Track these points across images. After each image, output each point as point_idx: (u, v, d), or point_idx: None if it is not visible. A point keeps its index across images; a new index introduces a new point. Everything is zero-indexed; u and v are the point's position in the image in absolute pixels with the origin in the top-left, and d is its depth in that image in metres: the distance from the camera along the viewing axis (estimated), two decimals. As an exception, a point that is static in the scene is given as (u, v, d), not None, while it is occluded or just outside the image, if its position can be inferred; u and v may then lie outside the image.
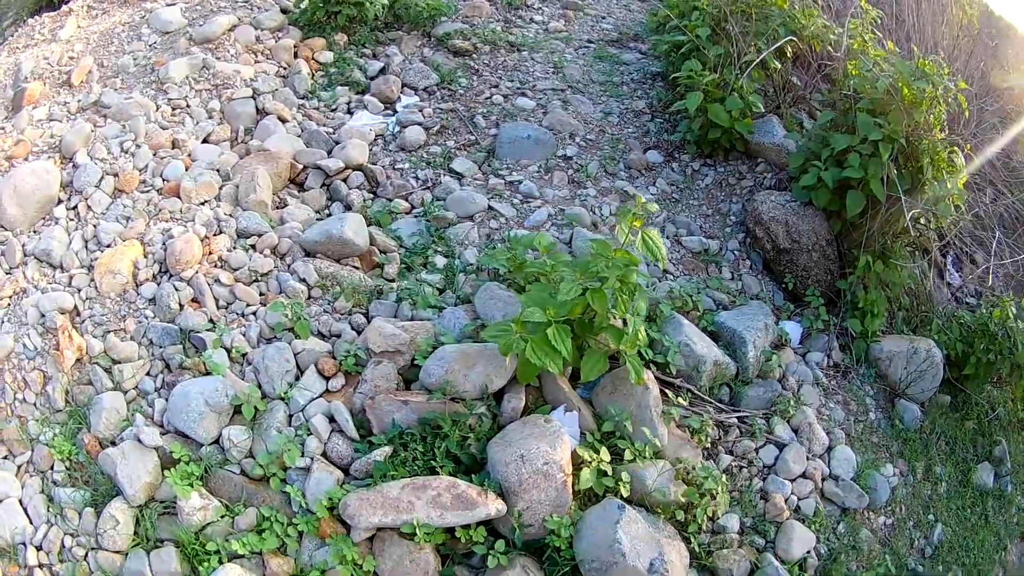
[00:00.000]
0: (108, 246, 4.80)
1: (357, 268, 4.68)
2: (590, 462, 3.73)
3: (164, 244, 4.66)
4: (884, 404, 5.17)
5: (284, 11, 5.95)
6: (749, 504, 4.16)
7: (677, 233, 5.29)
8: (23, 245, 5.03)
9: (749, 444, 4.35)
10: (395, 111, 5.50)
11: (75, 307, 4.63)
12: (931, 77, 4.77)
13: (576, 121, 5.28)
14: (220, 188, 4.98)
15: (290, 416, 4.06)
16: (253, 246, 4.75)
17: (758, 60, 5.18)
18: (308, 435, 3.91)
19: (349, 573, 3.52)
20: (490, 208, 5.02)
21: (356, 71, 5.58)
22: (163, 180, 5.05)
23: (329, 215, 4.96)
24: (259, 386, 4.16)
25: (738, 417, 4.50)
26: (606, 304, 3.68)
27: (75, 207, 5.07)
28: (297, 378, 4.16)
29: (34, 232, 5.16)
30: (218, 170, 5.11)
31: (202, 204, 4.92)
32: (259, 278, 4.65)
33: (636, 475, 3.79)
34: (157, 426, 4.17)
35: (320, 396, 4.09)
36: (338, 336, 4.36)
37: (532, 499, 3.44)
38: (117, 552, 3.73)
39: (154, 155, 5.13)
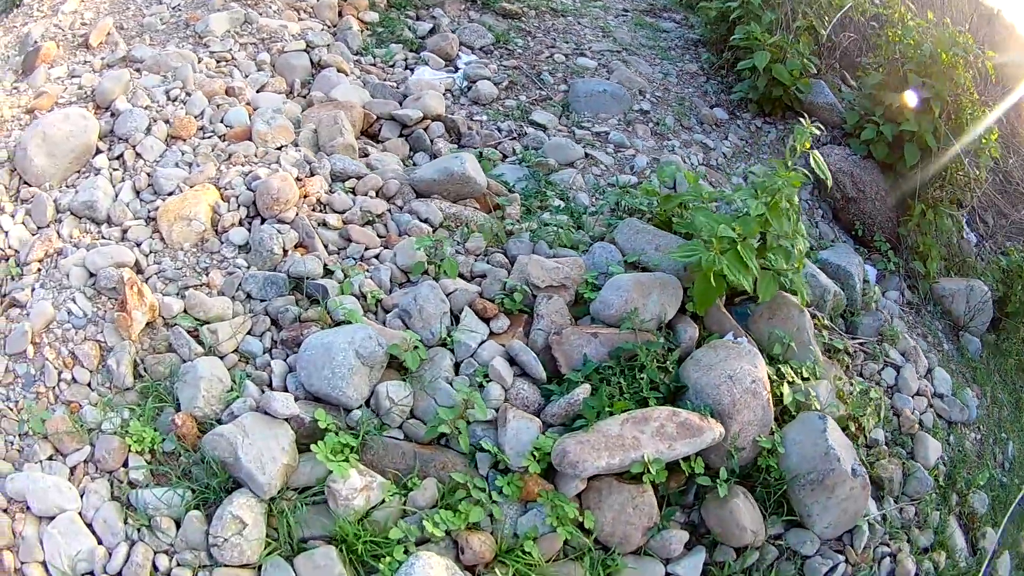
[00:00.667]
0: (171, 193, 3.92)
1: (478, 210, 4.11)
2: (789, 380, 3.48)
3: (250, 186, 3.88)
4: (952, 336, 5.42)
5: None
6: (886, 419, 4.15)
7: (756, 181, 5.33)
8: (55, 200, 4.02)
9: (873, 367, 4.40)
10: (456, 68, 5.07)
11: (136, 263, 3.70)
12: (963, 45, 5.13)
13: (641, 79, 5.16)
14: (297, 133, 4.25)
15: (457, 364, 3.30)
16: (353, 189, 4.08)
17: (808, 26, 5.33)
18: (488, 382, 3.17)
19: (567, 535, 2.78)
20: (587, 155, 4.70)
21: (406, 30, 5.11)
22: (226, 126, 4.25)
23: (415, 164, 4.36)
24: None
25: (858, 343, 4.54)
26: (783, 222, 3.42)
27: (119, 156, 4.14)
28: (453, 322, 3.43)
29: (68, 186, 4.14)
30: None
31: (279, 148, 4.16)
32: (374, 219, 3.95)
33: (808, 393, 3.56)
34: (279, 392, 3.29)
35: (488, 339, 3.36)
36: (482, 276, 3.69)
37: (744, 420, 3.06)
38: (244, 566, 2.73)
39: (209, 101, 4.31)
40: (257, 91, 4.55)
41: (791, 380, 3.43)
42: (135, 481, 3.05)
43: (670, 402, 3.03)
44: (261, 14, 4.97)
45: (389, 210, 4.01)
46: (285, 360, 3.39)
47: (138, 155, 4.16)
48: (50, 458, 3.23)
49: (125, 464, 3.06)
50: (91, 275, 3.74)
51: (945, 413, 4.58)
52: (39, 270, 3.94)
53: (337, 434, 2.84)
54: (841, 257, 4.90)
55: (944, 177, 5.44)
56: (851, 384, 3.98)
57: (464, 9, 5.48)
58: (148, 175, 4.09)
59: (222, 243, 3.80)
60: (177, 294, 3.70)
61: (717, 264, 3.05)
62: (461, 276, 3.72)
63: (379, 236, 3.89)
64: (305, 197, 3.91)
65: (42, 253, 3.93)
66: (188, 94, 4.42)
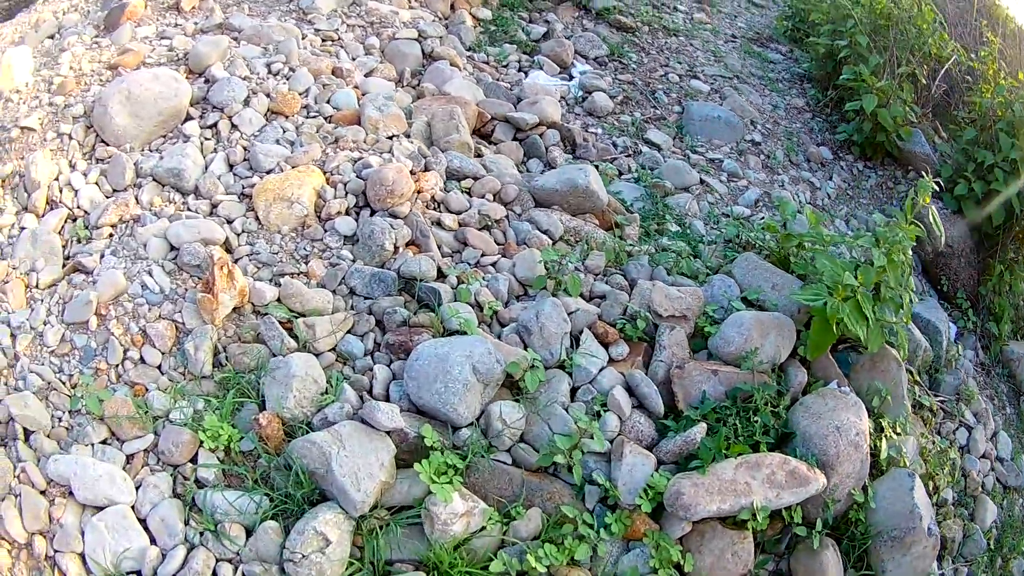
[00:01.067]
0: (269, 171, 3.51)
1: (597, 226, 3.73)
2: (887, 435, 3.38)
3: (360, 174, 3.46)
4: (1014, 401, 5.20)
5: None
6: (955, 479, 3.99)
7: (858, 227, 5.08)
8: (136, 164, 3.60)
9: (950, 425, 4.30)
10: (571, 76, 4.76)
11: (226, 241, 3.28)
12: (1053, 107, 4.97)
13: (752, 109, 4.90)
14: (409, 124, 3.88)
15: (574, 389, 2.96)
16: (469, 190, 3.65)
17: (910, 73, 5.11)
18: (605, 412, 2.86)
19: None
20: (703, 182, 4.42)
21: (519, 31, 4.82)
22: (333, 108, 3.87)
23: (526, 170, 3.99)
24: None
25: (940, 400, 4.39)
26: (897, 274, 3.34)
27: (213, 125, 3.72)
28: (572, 344, 3.07)
29: (151, 150, 3.73)
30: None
31: (390, 138, 3.78)
32: (491, 224, 3.51)
33: (899, 449, 3.48)
34: (381, 400, 2.87)
35: (607, 365, 3.03)
36: (601, 298, 3.32)
37: (844, 472, 3.01)
38: (322, 586, 2.41)
39: (315, 80, 3.95)
40: (365, 75, 4.13)
41: (888, 435, 3.40)
42: (203, 480, 2.69)
43: (778, 447, 2.99)
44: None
45: (507, 216, 3.57)
46: (389, 366, 2.94)
47: (234, 126, 3.75)
48: (104, 442, 2.83)
49: (193, 460, 2.72)
50: (172, 248, 3.30)
51: (1003, 477, 4.45)
52: (111, 235, 3.50)
53: (443, 453, 2.55)
54: (931, 312, 4.72)
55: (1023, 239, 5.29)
56: (933, 442, 3.88)
57: (578, 17, 5.22)
58: (244, 149, 3.66)
59: (325, 231, 3.33)
60: (271, 280, 3.26)
61: (840, 312, 3.00)
62: (580, 295, 3.37)
63: (497, 243, 3.44)
64: (419, 193, 3.46)
65: (116, 218, 3.50)
66: (292, 70, 4.02)
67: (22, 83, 4.18)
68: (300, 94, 3.84)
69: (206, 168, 3.58)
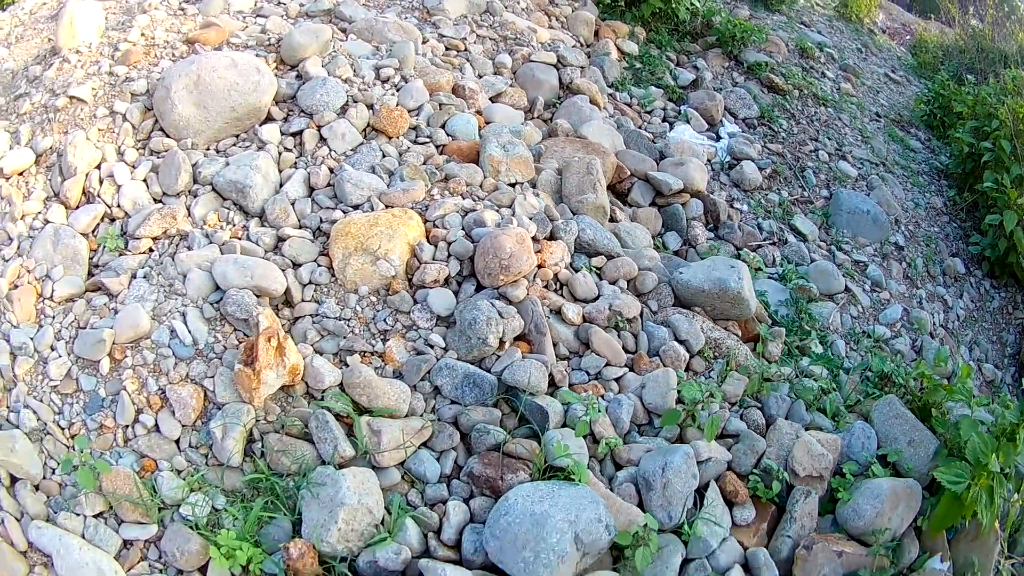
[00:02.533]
0: (356, 206, 2.75)
1: (739, 340, 2.94)
2: None
3: (470, 232, 2.59)
4: None
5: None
6: None
7: (979, 356, 4.16)
8: (195, 165, 2.88)
9: None
10: (718, 135, 3.95)
11: (286, 292, 2.53)
12: None
13: (896, 204, 4.13)
14: (537, 171, 3.10)
15: (686, 560, 2.22)
16: (600, 270, 2.81)
17: None
18: None
19: None
20: (848, 289, 3.59)
21: (667, 74, 4.02)
22: (448, 135, 3.10)
23: (663, 246, 3.17)
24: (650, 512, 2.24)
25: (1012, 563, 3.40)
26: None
27: (298, 133, 2.96)
28: (696, 502, 2.30)
29: (217, 151, 3.01)
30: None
31: (513, 186, 3.01)
32: (622, 325, 2.64)
33: None
34: (450, 548, 2.12)
35: (729, 536, 2.29)
36: (734, 437, 2.51)
37: None
38: None
39: (430, 96, 3.21)
40: (491, 99, 3.28)
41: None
42: None
43: None
44: (507, 7, 3.91)
45: (642, 314, 2.80)
46: (467, 502, 2.12)
47: (322, 140, 2.97)
48: (100, 515, 2.24)
49: (203, 570, 2.13)
50: (217, 288, 2.58)
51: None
52: (150, 251, 2.76)
53: None
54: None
55: None
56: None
57: (728, 68, 4.39)
58: (331, 171, 2.82)
59: (415, 302, 2.46)
60: (335, 356, 2.47)
61: (978, 501, 2.62)
62: (713, 435, 2.53)
63: (626, 350, 2.56)
64: (540, 267, 2.58)
65: (159, 230, 2.76)
66: (404, 79, 3.15)
67: (85, 42, 3.50)
68: (410, 112, 3.03)
69: (279, 187, 2.83)
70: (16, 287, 2.66)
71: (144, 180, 2.89)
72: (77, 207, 2.91)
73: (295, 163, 2.87)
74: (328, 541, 2.01)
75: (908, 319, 3.69)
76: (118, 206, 2.84)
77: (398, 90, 3.12)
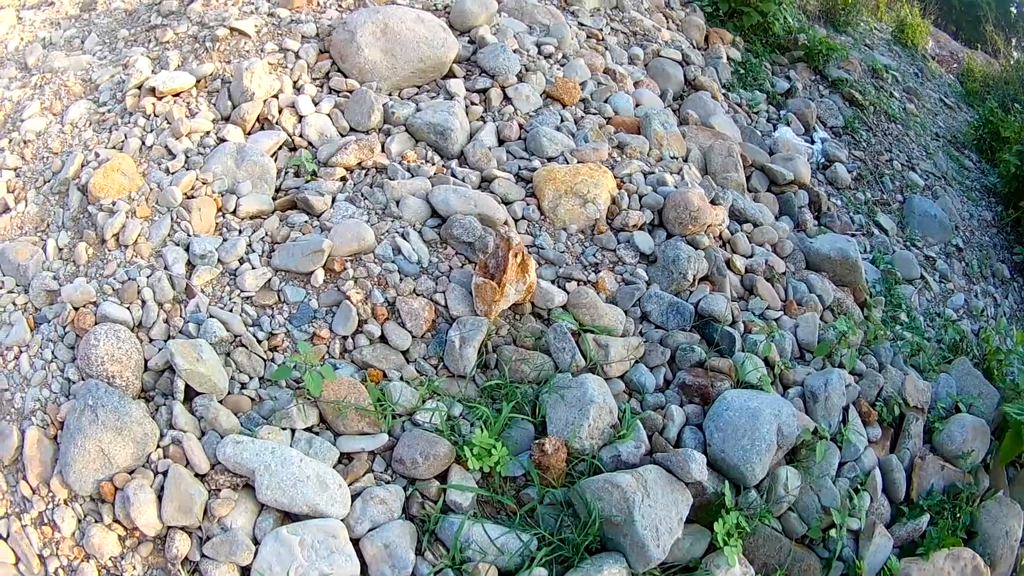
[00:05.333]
0: (551, 159, 3.07)
1: (854, 302, 3.41)
2: None
3: (656, 189, 2.93)
4: None
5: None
6: None
7: None
8: (385, 107, 3.12)
9: None
10: (812, 140, 4.56)
11: (505, 224, 2.79)
12: None
13: (956, 214, 4.87)
14: (688, 150, 3.53)
15: (840, 464, 2.74)
16: (749, 235, 3.16)
17: None
18: (862, 489, 2.73)
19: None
20: (922, 277, 4.25)
21: (767, 81, 4.65)
22: (613, 110, 3.43)
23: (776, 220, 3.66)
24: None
25: None
26: None
27: (483, 91, 3.25)
28: (842, 419, 2.77)
29: (402, 97, 3.26)
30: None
31: (674, 158, 3.41)
32: (775, 277, 3.06)
33: None
34: (672, 445, 2.45)
35: (868, 445, 2.83)
36: (858, 376, 3.00)
37: (999, 572, 3.12)
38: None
39: (591, 75, 3.60)
40: (633, 84, 3.76)
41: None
42: (454, 505, 2.14)
43: (967, 542, 3.11)
44: (632, 5, 4.41)
45: (785, 272, 3.22)
46: (681, 406, 2.48)
47: (507, 99, 3.20)
48: (310, 429, 2.21)
49: (441, 478, 2.20)
50: (434, 214, 2.80)
51: None
52: (344, 179, 2.94)
53: (734, 514, 2.34)
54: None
55: None
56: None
57: (814, 81, 4.98)
58: (521, 127, 3.07)
59: (619, 242, 2.85)
60: (554, 282, 2.78)
61: None
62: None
63: (779, 298, 3.02)
64: (708, 227, 3.06)
65: (355, 160, 2.95)
66: (565, 57, 3.50)
67: None
68: (580, 85, 3.47)
69: (472, 135, 3.13)
70: (192, 197, 2.69)
71: (329, 115, 3.10)
72: (252, 132, 3.07)
73: (482, 116, 3.17)
74: (580, 437, 2.23)
75: (968, 307, 4.36)
76: (301, 136, 3.03)
77: (562, 66, 3.49)
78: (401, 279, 2.51)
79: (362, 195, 2.77)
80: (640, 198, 2.87)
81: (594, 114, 3.23)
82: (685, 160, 3.34)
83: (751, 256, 3.07)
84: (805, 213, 3.78)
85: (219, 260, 2.53)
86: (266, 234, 2.66)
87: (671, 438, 2.38)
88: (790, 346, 2.87)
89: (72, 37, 3.63)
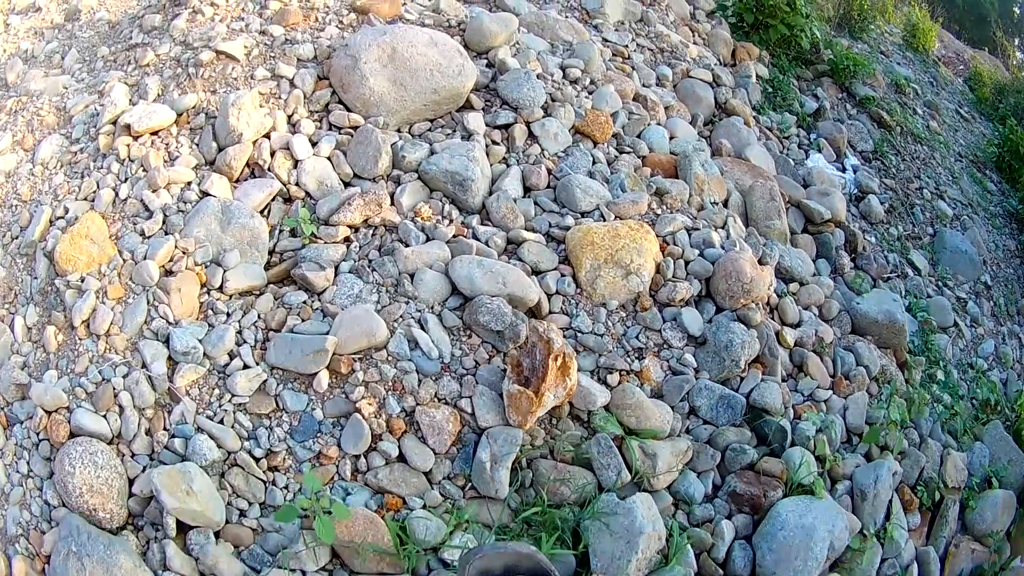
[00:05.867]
0: (584, 214, 2.52)
1: (897, 367, 2.99)
2: None
3: (702, 251, 2.47)
4: None
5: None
6: None
7: None
8: (394, 147, 2.53)
9: None
10: (843, 167, 4.03)
11: (538, 304, 2.26)
12: None
13: (984, 246, 4.42)
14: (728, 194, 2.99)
15: (882, 561, 2.40)
16: (796, 296, 2.75)
17: None
18: None
19: None
20: (955, 324, 3.80)
21: (795, 101, 4.08)
22: (647, 146, 2.91)
23: (815, 274, 3.17)
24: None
25: None
26: None
27: (505, 127, 2.69)
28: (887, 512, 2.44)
29: (412, 134, 2.66)
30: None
31: (714, 204, 2.87)
32: (823, 350, 2.64)
33: None
34: (719, 565, 2.03)
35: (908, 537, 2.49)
36: (901, 454, 2.64)
37: None
38: None
39: (623, 104, 3.01)
40: (664, 110, 3.19)
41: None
42: None
43: None
44: (658, 18, 3.76)
45: (832, 341, 2.69)
46: (730, 518, 2.09)
47: (532, 136, 2.72)
48: (324, 568, 1.85)
49: None
50: (454, 292, 2.27)
51: None
52: (349, 240, 2.39)
53: None
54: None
55: None
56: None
57: (841, 99, 4.45)
58: (549, 172, 2.61)
59: (664, 320, 2.33)
60: (594, 374, 2.27)
61: None
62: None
63: (828, 373, 2.60)
64: (758, 298, 2.59)
65: (360, 217, 2.39)
66: (593, 83, 2.96)
67: None
68: (611, 117, 2.89)
69: (494, 183, 2.56)
70: (170, 273, 2.22)
71: (330, 158, 2.52)
72: (240, 180, 2.49)
73: (505, 159, 2.61)
74: (627, 573, 1.86)
75: (997, 354, 3.97)
76: (296, 183, 2.47)
77: (590, 94, 2.93)
78: (420, 381, 2.03)
79: (370, 265, 2.24)
80: (686, 264, 2.37)
81: (628, 152, 2.72)
82: (726, 204, 2.83)
83: (799, 324, 2.61)
84: (842, 256, 3.34)
85: (205, 354, 2.08)
86: (259, 317, 2.16)
87: (719, 558, 2.06)
88: (840, 432, 2.44)
89: (53, 52, 3.07)
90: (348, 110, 2.64)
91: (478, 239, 2.34)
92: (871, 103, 4.59)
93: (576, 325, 2.23)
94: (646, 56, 3.42)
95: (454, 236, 2.34)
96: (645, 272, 2.33)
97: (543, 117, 2.70)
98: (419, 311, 2.16)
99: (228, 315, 2.18)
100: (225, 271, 2.24)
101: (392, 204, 2.43)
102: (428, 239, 2.33)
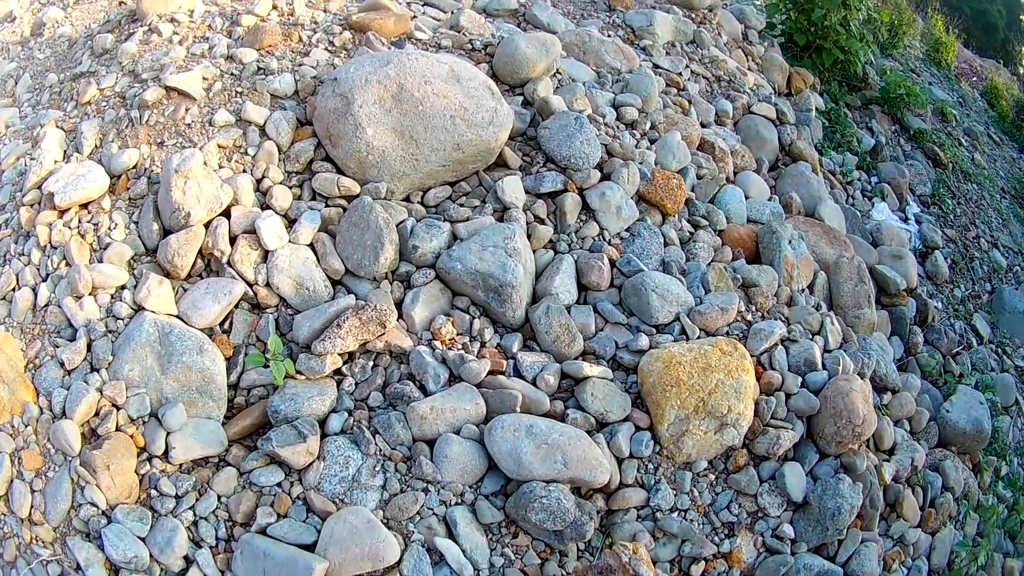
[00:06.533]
0: (659, 327, 1.73)
1: (970, 470, 2.37)
2: None
3: (803, 373, 1.75)
4: None
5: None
6: None
7: None
8: (401, 230, 1.70)
9: None
10: (906, 216, 3.31)
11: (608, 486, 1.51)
12: None
13: None
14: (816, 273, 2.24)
15: None
16: (888, 409, 2.07)
17: None
18: None
19: None
20: (1016, 403, 3.16)
21: (854, 139, 3.32)
22: (724, 215, 2.09)
23: (900, 368, 2.48)
24: None
25: None
26: None
27: (551, 195, 1.85)
28: None
29: (425, 204, 1.83)
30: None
31: (802, 291, 2.11)
32: (916, 480, 1.98)
33: None
34: None
35: None
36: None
37: None
38: None
39: (690, 156, 2.19)
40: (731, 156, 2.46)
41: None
42: None
43: None
44: (711, 40, 2.91)
45: (923, 466, 2.10)
46: None
47: (587, 210, 1.88)
48: None
49: None
50: (491, 467, 1.47)
51: None
52: (338, 376, 1.54)
53: None
54: None
55: None
56: None
57: (895, 132, 3.77)
58: (613, 265, 1.79)
59: (760, 480, 1.60)
60: (672, 564, 1.49)
61: None
62: None
63: (917, 507, 1.96)
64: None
65: (355, 343, 1.54)
66: (654, 127, 2.20)
67: (183, 7, 2.10)
68: (678, 172, 2.08)
69: (537, 279, 1.76)
70: (96, 435, 1.52)
71: (311, 246, 1.70)
72: (189, 276, 1.68)
73: (552, 242, 1.82)
74: None
75: (1054, 428, 3.39)
76: (266, 285, 1.66)
77: (652, 142, 2.12)
78: None
79: (371, 426, 1.44)
80: (787, 397, 1.62)
81: (703, 226, 2.02)
82: (811, 289, 2.07)
83: (893, 450, 1.92)
84: (915, 332, 2.63)
85: (153, 558, 1.40)
86: (219, 503, 1.38)
87: None
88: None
89: (8, 76, 2.31)
90: (338, 171, 1.81)
91: (522, 376, 1.57)
92: (924, 138, 3.90)
93: (656, 503, 1.53)
94: (702, 86, 2.63)
95: (489, 372, 1.56)
96: (744, 423, 1.63)
97: (600, 181, 1.89)
98: (443, 503, 1.41)
99: (177, 499, 1.44)
100: (169, 434, 1.46)
101: (400, 317, 1.64)
102: (452, 376, 1.55)
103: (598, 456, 1.47)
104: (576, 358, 1.66)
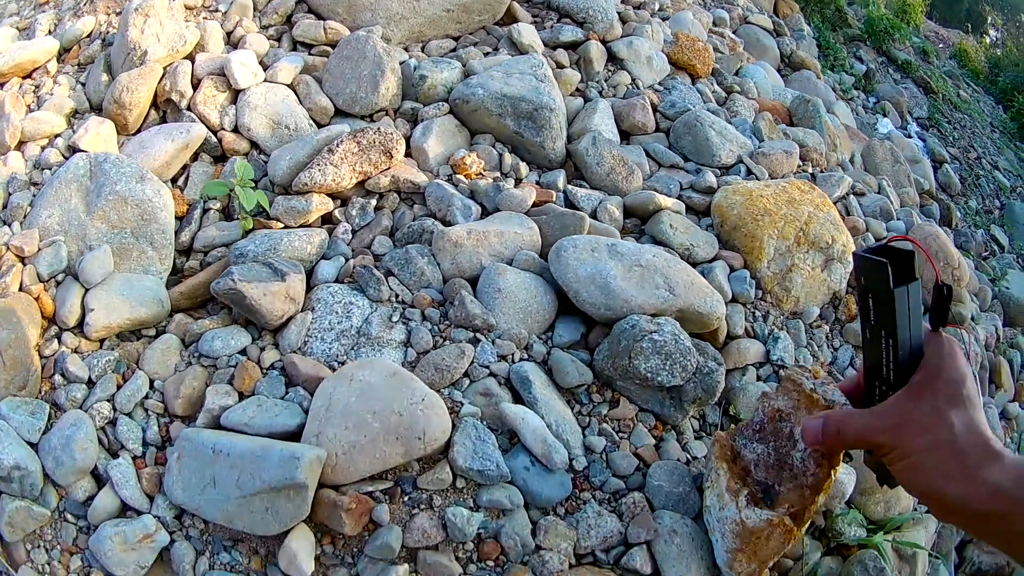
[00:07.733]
0: (725, 169, 1.28)
1: None
2: None
3: (883, 220, 1.34)
4: None
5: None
6: None
7: None
8: (403, 66, 1.23)
9: None
10: (908, 134, 3.00)
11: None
12: None
13: None
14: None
15: None
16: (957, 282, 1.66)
17: None
18: None
19: None
20: None
21: (846, 62, 3.05)
22: (756, 87, 1.65)
23: None
24: None
25: None
26: None
27: (571, 45, 1.42)
28: None
29: (425, 54, 1.34)
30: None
31: (851, 162, 1.67)
32: (1002, 349, 1.60)
33: None
34: None
35: None
36: None
37: None
38: None
39: (706, 36, 1.74)
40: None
41: None
42: None
43: None
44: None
45: (1004, 339, 1.70)
46: None
47: (615, 60, 1.45)
48: None
49: None
50: (564, 310, 0.97)
51: None
52: (328, 224, 1.03)
53: None
54: None
55: None
56: None
57: (882, 63, 3.39)
58: (655, 109, 1.37)
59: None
60: None
61: None
62: None
63: (1011, 378, 1.60)
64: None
65: (351, 180, 1.08)
66: (662, 7, 1.80)
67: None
68: (708, 47, 1.63)
69: (570, 121, 1.28)
70: None
71: (291, 86, 1.17)
72: (139, 130, 1.13)
73: (580, 90, 1.33)
74: None
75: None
76: (235, 129, 1.12)
77: (664, 19, 1.70)
78: (534, 528, 0.70)
79: (380, 265, 0.85)
80: (876, 242, 1.13)
81: (738, 92, 1.45)
82: (852, 164, 1.63)
83: (975, 319, 1.44)
84: (947, 233, 2.17)
85: (45, 478, 0.83)
86: (151, 391, 0.91)
87: None
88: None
89: None
90: (322, 18, 1.31)
91: (577, 207, 1.05)
92: (912, 68, 3.57)
93: (778, 356, 0.99)
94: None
95: (535, 204, 1.04)
96: (848, 256, 1.10)
97: (623, 36, 1.43)
98: (503, 359, 0.85)
99: (90, 385, 0.90)
100: (87, 291, 0.90)
101: (409, 153, 1.12)
102: (485, 211, 1.02)
103: (706, 284, 0.96)
104: (634, 196, 1.18)
